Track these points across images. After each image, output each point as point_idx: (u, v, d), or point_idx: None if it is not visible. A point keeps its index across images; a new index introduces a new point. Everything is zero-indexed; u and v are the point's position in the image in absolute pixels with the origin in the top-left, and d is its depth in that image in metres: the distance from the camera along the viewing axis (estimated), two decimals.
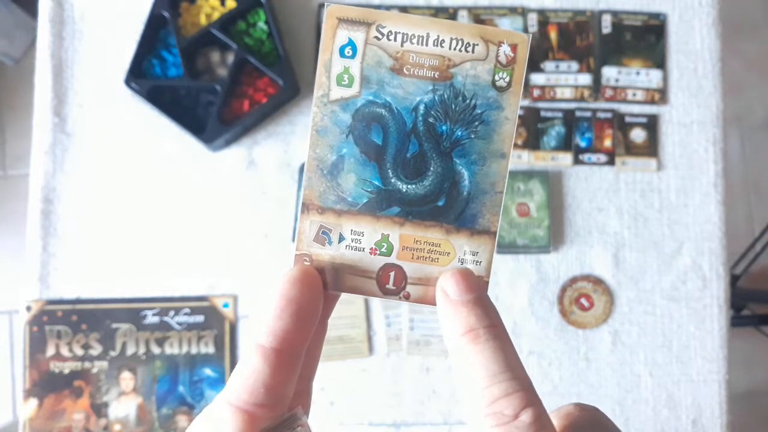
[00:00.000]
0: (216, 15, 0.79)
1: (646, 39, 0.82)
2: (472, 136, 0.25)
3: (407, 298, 0.26)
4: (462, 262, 0.26)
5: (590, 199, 0.80)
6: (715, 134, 0.81)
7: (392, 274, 0.26)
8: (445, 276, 0.25)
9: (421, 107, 0.25)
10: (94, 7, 0.82)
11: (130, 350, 0.77)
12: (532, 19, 0.82)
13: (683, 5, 0.82)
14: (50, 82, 0.80)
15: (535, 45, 0.82)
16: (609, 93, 0.81)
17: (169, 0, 0.77)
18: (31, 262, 0.78)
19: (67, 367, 0.77)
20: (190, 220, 0.79)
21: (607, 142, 0.81)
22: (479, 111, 0.25)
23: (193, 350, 0.77)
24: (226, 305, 0.78)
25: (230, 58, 0.79)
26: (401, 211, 0.26)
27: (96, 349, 0.77)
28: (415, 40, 0.25)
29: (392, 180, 0.25)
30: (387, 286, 0.26)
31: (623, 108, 0.81)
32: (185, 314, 0.78)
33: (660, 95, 0.81)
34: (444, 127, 0.25)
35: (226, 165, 0.80)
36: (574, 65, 0.81)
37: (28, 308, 0.77)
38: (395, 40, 0.25)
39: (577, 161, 0.81)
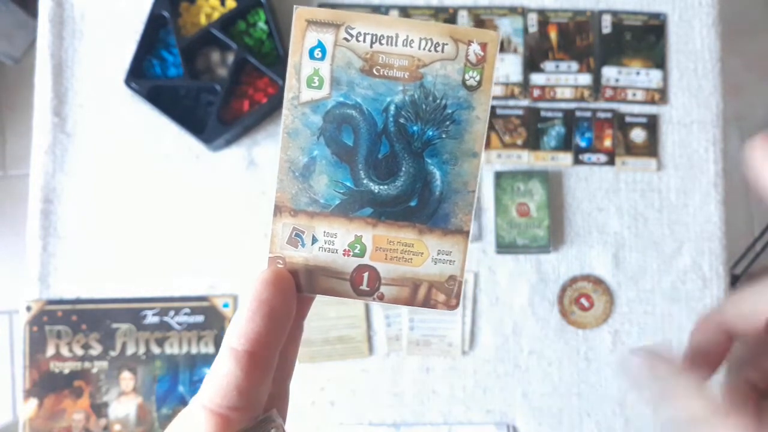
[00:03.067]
0: (216, 15, 0.79)
1: (646, 39, 0.82)
2: (444, 135, 0.25)
3: (381, 298, 0.26)
4: (435, 262, 0.26)
5: (590, 199, 0.80)
6: (715, 134, 0.81)
7: (366, 275, 0.26)
8: None
9: (392, 108, 0.25)
10: (94, 7, 0.82)
11: (130, 350, 0.77)
12: (532, 19, 0.82)
13: (683, 5, 0.82)
14: (50, 82, 0.80)
15: (535, 45, 0.82)
16: (609, 93, 0.81)
17: (169, 0, 0.77)
18: (31, 262, 0.78)
19: (67, 367, 0.77)
20: (190, 220, 0.79)
21: (607, 142, 0.81)
22: (450, 111, 0.25)
23: (193, 350, 0.77)
24: (226, 305, 0.78)
25: (230, 58, 0.79)
26: (374, 212, 0.26)
27: (96, 349, 0.77)
28: (384, 41, 0.25)
29: (364, 181, 0.25)
30: (361, 287, 0.26)
31: (623, 108, 0.81)
32: (185, 314, 0.78)
33: (660, 95, 0.81)
34: (415, 128, 0.25)
35: (226, 165, 0.80)
36: (574, 65, 0.81)
37: (28, 308, 0.77)
38: (364, 41, 0.25)
39: (577, 161, 0.81)
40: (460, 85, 0.25)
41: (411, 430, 0.78)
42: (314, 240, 0.26)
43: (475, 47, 0.25)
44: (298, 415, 0.77)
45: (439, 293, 0.26)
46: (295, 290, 0.25)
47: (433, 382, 0.78)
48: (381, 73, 0.25)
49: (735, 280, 1.38)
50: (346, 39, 0.25)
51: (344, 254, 0.26)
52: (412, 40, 0.25)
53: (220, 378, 0.23)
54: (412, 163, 0.25)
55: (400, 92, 0.25)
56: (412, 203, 0.26)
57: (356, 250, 0.26)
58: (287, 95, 0.25)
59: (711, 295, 0.79)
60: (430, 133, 0.25)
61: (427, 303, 0.26)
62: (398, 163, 0.25)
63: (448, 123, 0.25)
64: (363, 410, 0.78)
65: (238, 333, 0.23)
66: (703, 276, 0.79)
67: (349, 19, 0.25)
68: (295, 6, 0.25)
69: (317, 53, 0.25)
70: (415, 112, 0.25)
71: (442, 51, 0.25)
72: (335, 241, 0.26)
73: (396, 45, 0.25)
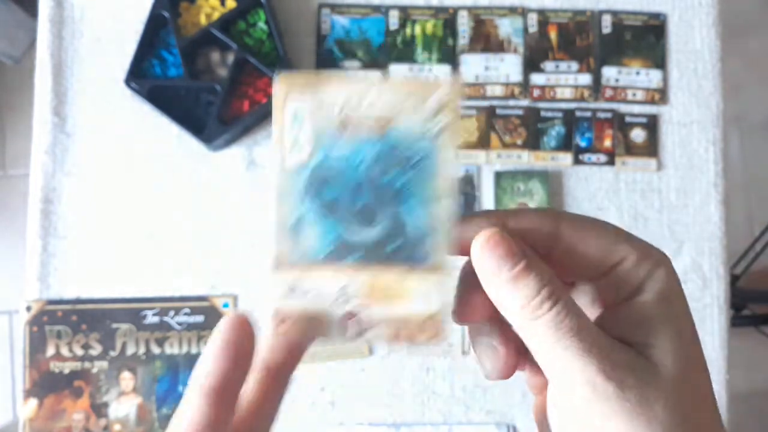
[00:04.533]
0: (216, 15, 0.79)
1: (646, 39, 0.82)
2: (415, 181, 0.27)
3: (369, 340, 0.28)
4: (418, 301, 0.28)
5: (590, 199, 0.80)
6: (715, 134, 0.81)
7: (353, 320, 0.28)
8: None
9: (365, 162, 0.27)
10: (94, 7, 0.82)
11: (130, 350, 0.77)
12: (532, 19, 0.82)
13: (683, 5, 0.82)
14: (50, 82, 0.80)
15: (535, 45, 0.82)
16: (609, 93, 0.81)
17: (169, 0, 0.77)
18: (31, 262, 0.78)
19: (67, 367, 0.77)
20: (190, 220, 0.79)
21: (607, 142, 0.81)
22: (417, 158, 0.27)
23: (193, 350, 0.77)
24: (226, 305, 0.78)
25: (230, 58, 0.79)
26: (358, 258, 0.28)
27: (96, 349, 0.77)
28: (353, 102, 0.27)
29: (348, 231, 0.28)
30: (349, 331, 0.28)
31: (623, 108, 0.81)
32: (185, 314, 0.78)
33: (660, 95, 0.81)
34: (386, 178, 0.27)
35: (226, 165, 0.80)
36: (574, 65, 0.81)
37: (28, 308, 0.77)
38: (337, 103, 0.27)
39: (577, 161, 0.81)
40: (425, 133, 0.27)
41: (411, 430, 0.78)
42: (306, 291, 0.28)
43: (438, 95, 0.27)
44: (298, 415, 0.77)
45: (423, 331, 0.28)
46: (253, 331, 0.27)
47: (433, 382, 0.78)
48: (354, 131, 0.27)
49: (735, 280, 1.38)
50: (321, 102, 0.27)
51: (333, 302, 0.27)
52: (380, 98, 0.27)
53: (190, 413, 0.25)
54: (388, 210, 0.27)
55: (371, 147, 0.27)
56: (390, 247, 0.27)
57: (343, 297, 0.27)
58: (274, 160, 0.27)
59: (711, 295, 0.79)
60: (402, 181, 0.27)
61: (413, 340, 0.28)
62: (374, 212, 0.28)
63: (418, 170, 0.27)
64: (363, 410, 0.78)
65: (205, 371, 0.26)
66: (703, 276, 0.79)
67: (321, 83, 0.27)
68: (275, 72, 0.28)
69: (297, 120, 0.27)
70: (386, 164, 0.27)
71: (407, 105, 0.27)
72: (324, 291, 0.28)
73: (365, 105, 0.27)
